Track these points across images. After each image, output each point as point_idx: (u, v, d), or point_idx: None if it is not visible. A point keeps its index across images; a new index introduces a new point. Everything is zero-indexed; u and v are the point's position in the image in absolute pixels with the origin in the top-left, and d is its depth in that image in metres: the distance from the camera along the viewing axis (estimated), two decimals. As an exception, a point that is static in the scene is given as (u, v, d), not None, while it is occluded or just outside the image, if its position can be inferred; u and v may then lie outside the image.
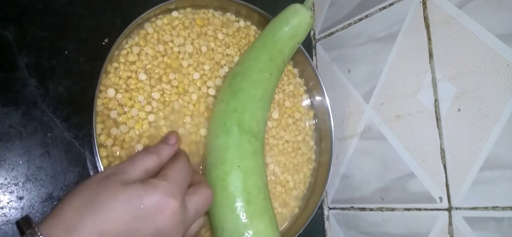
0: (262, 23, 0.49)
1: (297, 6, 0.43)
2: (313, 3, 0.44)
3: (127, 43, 0.40)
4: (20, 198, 0.37)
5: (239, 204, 0.36)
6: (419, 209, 0.41)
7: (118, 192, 0.28)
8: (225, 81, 0.43)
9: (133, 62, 0.40)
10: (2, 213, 0.36)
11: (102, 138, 0.38)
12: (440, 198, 0.39)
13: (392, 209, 0.44)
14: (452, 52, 0.39)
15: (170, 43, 0.42)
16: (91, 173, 0.40)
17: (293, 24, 0.42)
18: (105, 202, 0.27)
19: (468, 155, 0.37)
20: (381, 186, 0.45)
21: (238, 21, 0.48)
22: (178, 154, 0.36)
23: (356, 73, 0.50)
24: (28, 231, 0.25)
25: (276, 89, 0.48)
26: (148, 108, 0.40)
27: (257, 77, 0.41)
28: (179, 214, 0.30)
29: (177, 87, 0.42)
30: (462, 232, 0.37)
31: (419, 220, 0.41)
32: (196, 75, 0.43)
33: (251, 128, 0.39)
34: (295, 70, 0.51)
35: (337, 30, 0.54)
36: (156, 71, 0.41)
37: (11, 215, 0.36)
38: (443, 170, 0.39)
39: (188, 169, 0.34)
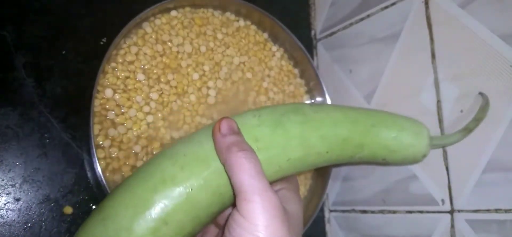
0: (263, 23, 0.48)
1: (423, 129, 0.33)
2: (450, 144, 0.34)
3: (125, 43, 0.40)
4: (17, 200, 0.36)
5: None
6: (421, 212, 0.41)
7: None
8: (284, 104, 0.33)
9: (131, 62, 0.40)
10: (-1, 215, 0.36)
11: (99, 139, 0.37)
12: (442, 201, 0.39)
13: (394, 212, 0.44)
14: (454, 53, 0.39)
15: (168, 43, 0.42)
16: (89, 175, 0.39)
17: (402, 139, 0.32)
18: None
19: (471, 157, 0.37)
20: (382, 188, 0.45)
21: (237, 21, 0.48)
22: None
23: (358, 74, 0.50)
24: None
25: (276, 89, 0.48)
26: (146, 109, 0.39)
27: (312, 139, 0.30)
28: None
29: (175, 87, 0.41)
30: (464, 235, 0.37)
31: (421, 223, 0.41)
32: (195, 76, 0.43)
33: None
34: (296, 71, 0.51)
35: (338, 30, 0.53)
36: (155, 71, 0.41)
37: (8, 217, 0.36)
38: (445, 172, 0.39)
39: None
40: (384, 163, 0.33)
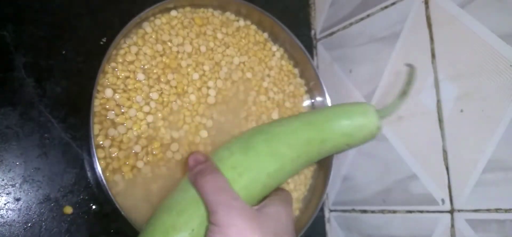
0: (263, 23, 0.48)
1: (369, 107, 0.36)
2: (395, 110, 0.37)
3: (125, 42, 0.40)
4: (17, 200, 0.36)
5: None
6: (421, 211, 0.41)
7: None
8: (248, 131, 0.37)
9: (131, 62, 0.40)
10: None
11: (99, 139, 0.37)
12: (442, 200, 0.39)
13: (394, 212, 0.44)
14: (454, 53, 0.39)
15: (168, 43, 0.42)
16: (89, 175, 0.39)
17: (354, 123, 0.35)
18: None
19: (471, 157, 0.37)
20: (382, 188, 0.45)
21: (238, 21, 0.48)
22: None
23: (358, 74, 0.50)
24: None
25: (276, 89, 0.48)
26: (146, 109, 0.39)
27: (281, 150, 0.34)
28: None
29: (175, 87, 0.41)
30: (464, 235, 0.37)
31: (421, 223, 0.41)
32: (195, 76, 0.43)
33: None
34: (296, 71, 0.51)
35: (338, 30, 0.53)
36: (155, 71, 0.41)
37: (8, 217, 0.36)
38: (445, 172, 0.39)
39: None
40: (349, 147, 0.36)
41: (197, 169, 0.32)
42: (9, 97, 0.37)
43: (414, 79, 0.37)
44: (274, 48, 0.49)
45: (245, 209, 0.30)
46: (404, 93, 0.37)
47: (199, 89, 0.43)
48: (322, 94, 0.49)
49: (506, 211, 0.34)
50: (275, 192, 0.35)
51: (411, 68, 0.38)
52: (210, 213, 0.30)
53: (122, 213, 0.35)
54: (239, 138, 0.35)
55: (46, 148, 0.38)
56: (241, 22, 0.48)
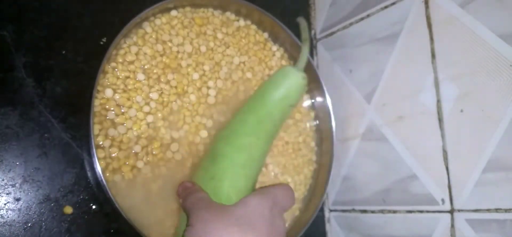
0: (263, 22, 0.48)
1: (287, 68, 0.40)
2: (307, 59, 0.41)
3: (125, 42, 0.40)
4: (17, 200, 0.36)
5: None
6: (421, 211, 0.41)
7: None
8: (210, 145, 0.41)
9: (131, 62, 0.40)
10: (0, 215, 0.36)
11: (99, 139, 0.37)
12: (443, 200, 0.39)
13: (394, 211, 0.44)
14: (454, 52, 0.39)
15: (168, 43, 0.42)
16: (89, 175, 0.39)
17: (284, 86, 0.39)
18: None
19: (471, 157, 0.37)
20: (382, 187, 0.45)
21: (238, 20, 0.48)
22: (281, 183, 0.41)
23: (358, 74, 0.50)
24: None
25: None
26: (146, 109, 0.39)
27: (241, 142, 0.37)
28: (283, 220, 0.34)
29: (175, 87, 0.41)
30: (464, 234, 0.37)
31: (421, 223, 0.41)
32: (196, 76, 0.43)
33: (230, 197, 0.35)
34: (296, 71, 0.51)
35: (338, 30, 0.53)
36: (155, 71, 0.41)
37: (8, 217, 0.36)
38: (445, 172, 0.39)
39: (291, 193, 0.36)
40: (293, 106, 0.41)
41: (184, 194, 0.35)
42: (9, 97, 0.37)
43: (306, 26, 0.42)
44: (274, 48, 0.49)
45: (210, 204, 0.33)
46: (305, 40, 0.41)
47: (199, 89, 0.43)
48: (322, 94, 0.49)
49: (506, 211, 0.34)
50: (267, 186, 0.38)
51: (300, 20, 0.42)
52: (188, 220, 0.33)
53: (122, 213, 0.35)
54: (205, 155, 0.40)
55: (46, 148, 0.38)
56: (241, 22, 0.48)
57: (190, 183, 0.37)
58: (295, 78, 0.39)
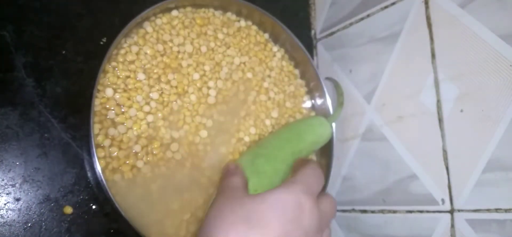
0: (263, 23, 0.48)
1: (323, 120, 0.46)
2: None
3: (125, 42, 0.40)
4: (17, 200, 0.36)
5: None
6: (421, 211, 0.41)
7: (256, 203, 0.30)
8: (243, 156, 0.43)
9: (132, 62, 0.40)
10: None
11: (99, 139, 0.37)
12: (442, 200, 0.39)
13: (394, 211, 0.44)
14: (454, 53, 0.39)
15: (169, 43, 0.42)
16: (89, 175, 0.39)
17: (317, 133, 0.45)
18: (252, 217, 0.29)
19: (471, 157, 0.37)
20: (382, 188, 0.45)
21: (239, 21, 0.48)
22: (308, 160, 0.41)
23: (358, 74, 0.50)
24: None
25: (276, 90, 0.48)
26: (146, 108, 0.39)
27: (279, 167, 0.42)
28: (316, 212, 0.30)
29: (176, 87, 0.41)
30: (464, 235, 0.37)
31: (421, 223, 0.41)
32: (196, 76, 0.43)
33: None
34: (296, 71, 0.51)
35: (338, 30, 0.53)
36: (155, 71, 0.41)
37: (8, 217, 0.36)
38: (445, 172, 0.39)
39: (319, 174, 0.35)
40: (316, 149, 0.48)
41: (223, 174, 0.39)
42: (9, 97, 0.37)
43: (342, 88, 0.49)
44: (275, 49, 0.49)
45: (233, 194, 0.33)
46: (341, 104, 0.48)
47: (200, 89, 0.43)
48: (322, 95, 0.49)
49: (506, 211, 0.34)
50: (295, 169, 0.40)
51: (333, 81, 0.50)
52: None
53: (122, 212, 0.35)
54: (245, 165, 0.41)
55: (46, 148, 0.38)
56: (242, 23, 0.48)
57: (234, 166, 0.39)
58: (327, 130, 0.46)
